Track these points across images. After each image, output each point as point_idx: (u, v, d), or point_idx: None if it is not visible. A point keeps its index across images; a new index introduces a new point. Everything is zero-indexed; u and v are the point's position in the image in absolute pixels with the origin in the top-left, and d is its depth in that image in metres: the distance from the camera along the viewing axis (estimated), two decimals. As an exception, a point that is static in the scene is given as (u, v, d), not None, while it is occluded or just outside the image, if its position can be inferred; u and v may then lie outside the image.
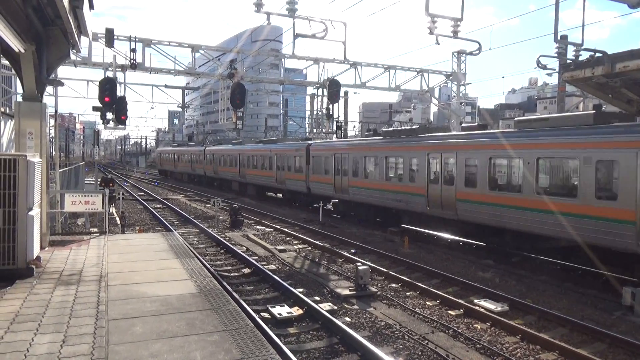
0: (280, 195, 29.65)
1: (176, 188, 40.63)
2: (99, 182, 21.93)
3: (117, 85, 20.13)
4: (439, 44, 19.15)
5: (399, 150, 17.75)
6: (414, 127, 20.80)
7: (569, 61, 17.95)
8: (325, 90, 24.39)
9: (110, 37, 19.18)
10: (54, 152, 18.65)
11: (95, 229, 14.94)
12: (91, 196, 12.45)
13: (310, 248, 15.44)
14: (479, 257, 13.90)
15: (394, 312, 9.20)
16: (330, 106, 25.22)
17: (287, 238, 17.18)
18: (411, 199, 16.79)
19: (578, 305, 9.68)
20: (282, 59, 29.45)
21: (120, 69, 21.53)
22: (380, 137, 19.85)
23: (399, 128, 34.10)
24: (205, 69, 31.58)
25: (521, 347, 7.60)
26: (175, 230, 17.05)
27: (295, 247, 15.55)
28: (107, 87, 18.43)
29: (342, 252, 14.09)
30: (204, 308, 6.75)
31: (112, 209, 21.59)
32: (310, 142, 25.62)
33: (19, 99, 10.93)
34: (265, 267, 12.33)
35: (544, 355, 7.31)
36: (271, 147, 29.41)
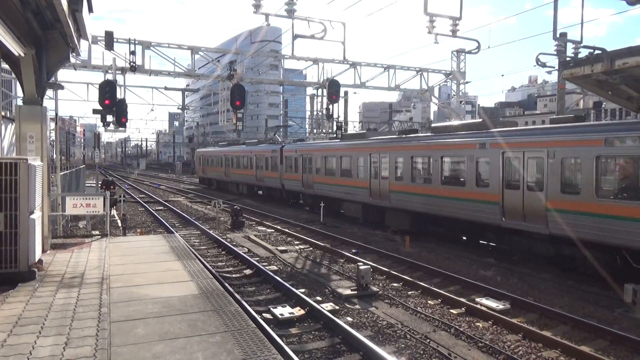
0: (495, 241, 14.51)
1: (179, 191, 40.48)
2: (99, 185, 21.98)
3: (117, 87, 20.15)
4: (437, 43, 19.19)
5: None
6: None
7: (568, 59, 17.95)
8: (324, 91, 24.43)
9: (109, 40, 19.23)
10: (54, 155, 18.68)
11: (97, 232, 14.98)
12: (92, 199, 12.46)
13: (311, 248, 15.45)
14: (480, 255, 13.90)
15: (395, 312, 9.21)
16: (330, 106, 25.25)
17: (289, 239, 17.19)
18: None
19: (580, 303, 9.68)
20: (282, 60, 29.49)
21: (120, 72, 21.60)
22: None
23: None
24: (205, 70, 31.59)
25: (523, 345, 7.61)
26: (176, 232, 17.08)
27: (297, 247, 15.56)
28: (107, 90, 18.44)
29: (344, 252, 14.10)
30: (206, 309, 6.76)
31: (114, 212, 21.62)
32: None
33: (20, 102, 10.94)
34: (266, 267, 12.34)
35: (546, 353, 7.32)
36: (469, 139, 14.66)
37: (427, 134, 18.11)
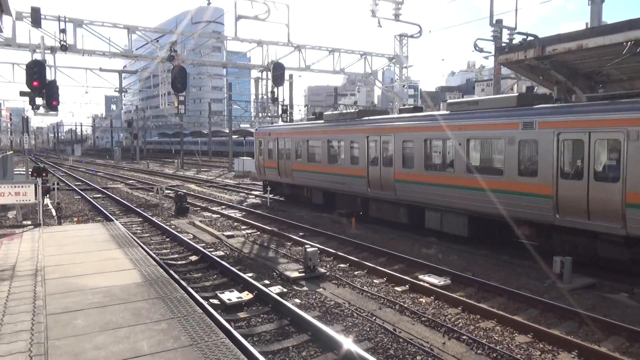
0: None
1: (116, 176, 38.80)
2: (30, 172, 20.65)
3: (47, 68, 18.84)
4: (381, 26, 19.40)
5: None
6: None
7: (504, 44, 18.70)
8: (269, 74, 24.08)
9: (36, 17, 17.86)
10: (-23, 141, 17.31)
11: (29, 222, 14.12)
12: (22, 187, 11.73)
13: (258, 233, 15.37)
14: (423, 235, 14.39)
15: (342, 292, 9.39)
16: (275, 90, 24.96)
17: (235, 224, 17.00)
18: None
19: (514, 276, 10.30)
20: (225, 42, 28.72)
21: (49, 51, 20.16)
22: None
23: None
24: (144, 51, 30.14)
25: (463, 318, 8.01)
26: (116, 220, 16.42)
27: (244, 232, 15.43)
28: (36, 71, 17.20)
29: (291, 235, 14.15)
30: (150, 297, 6.59)
31: (47, 200, 20.45)
32: None
33: None
34: (213, 253, 12.16)
35: (484, 324, 7.75)
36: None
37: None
